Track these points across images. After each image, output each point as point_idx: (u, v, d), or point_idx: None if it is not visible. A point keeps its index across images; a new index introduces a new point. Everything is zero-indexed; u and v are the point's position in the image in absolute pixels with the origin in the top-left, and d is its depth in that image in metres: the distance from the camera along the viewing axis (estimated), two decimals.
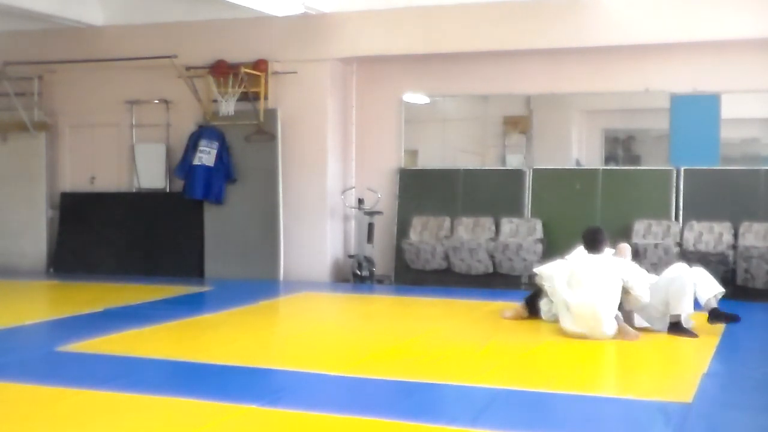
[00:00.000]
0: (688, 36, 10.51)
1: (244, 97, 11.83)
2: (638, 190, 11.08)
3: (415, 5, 11.37)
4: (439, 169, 12.02)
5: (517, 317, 8.45)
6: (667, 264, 8.45)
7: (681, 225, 10.74)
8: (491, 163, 12.06)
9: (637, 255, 9.59)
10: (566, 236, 10.64)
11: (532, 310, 8.43)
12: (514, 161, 11.86)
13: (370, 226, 11.75)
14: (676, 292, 7.63)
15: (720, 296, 7.81)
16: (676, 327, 7.67)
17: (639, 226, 10.76)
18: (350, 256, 11.97)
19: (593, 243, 7.81)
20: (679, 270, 7.83)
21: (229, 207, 12.03)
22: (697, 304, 7.76)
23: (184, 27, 12.32)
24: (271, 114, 11.91)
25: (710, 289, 7.75)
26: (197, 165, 11.89)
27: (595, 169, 11.34)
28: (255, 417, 5.10)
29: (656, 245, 10.31)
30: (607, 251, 7.93)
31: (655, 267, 9.15)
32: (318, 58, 11.81)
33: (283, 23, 11.75)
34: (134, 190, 12.74)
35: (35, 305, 10.36)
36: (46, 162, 12.96)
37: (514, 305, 8.69)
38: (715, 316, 7.72)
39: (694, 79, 10.88)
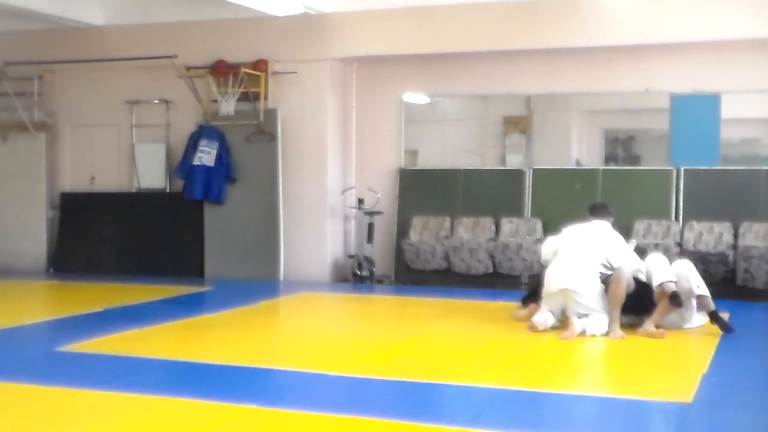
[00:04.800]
0: (688, 36, 10.52)
1: (244, 97, 11.83)
2: (638, 190, 11.08)
3: (415, 5, 11.37)
4: (439, 169, 12.02)
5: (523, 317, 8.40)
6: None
7: (681, 225, 10.74)
8: (491, 163, 12.05)
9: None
10: None
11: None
12: (514, 161, 11.86)
13: (370, 226, 11.75)
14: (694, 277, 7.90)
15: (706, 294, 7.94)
16: (715, 315, 7.84)
17: (639, 226, 10.75)
18: (350, 256, 11.97)
19: (596, 210, 8.31)
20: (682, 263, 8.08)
21: (229, 207, 12.03)
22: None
23: (184, 27, 12.31)
24: (271, 114, 11.91)
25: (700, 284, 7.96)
26: (197, 165, 11.89)
27: (595, 169, 11.34)
28: (255, 417, 5.10)
29: (656, 245, 10.30)
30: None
31: None
32: (318, 58, 11.81)
33: (283, 23, 11.75)
34: (134, 190, 12.74)
35: (35, 305, 10.36)
36: (46, 162, 12.95)
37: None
38: (715, 317, 7.82)
39: (694, 79, 10.88)
